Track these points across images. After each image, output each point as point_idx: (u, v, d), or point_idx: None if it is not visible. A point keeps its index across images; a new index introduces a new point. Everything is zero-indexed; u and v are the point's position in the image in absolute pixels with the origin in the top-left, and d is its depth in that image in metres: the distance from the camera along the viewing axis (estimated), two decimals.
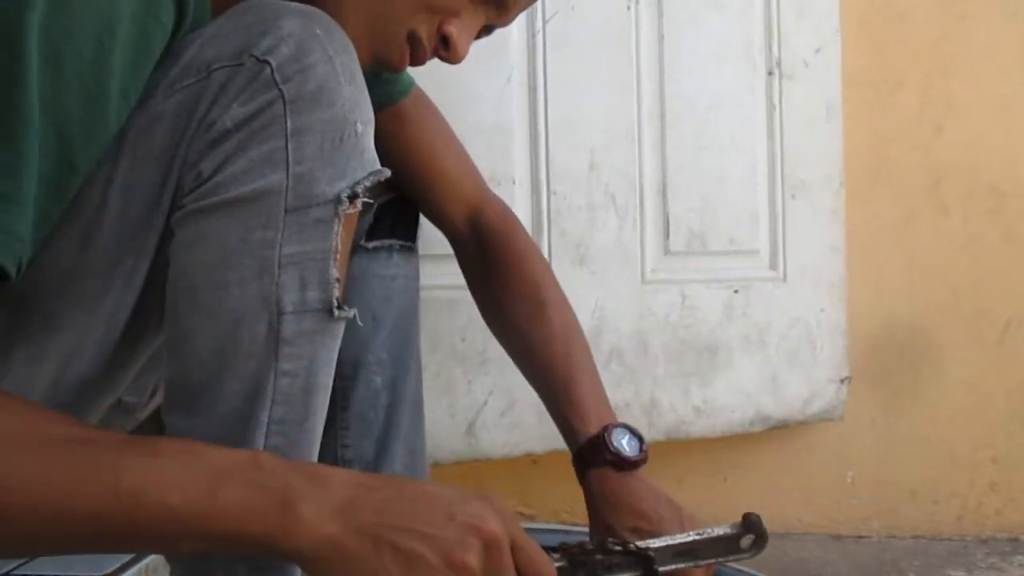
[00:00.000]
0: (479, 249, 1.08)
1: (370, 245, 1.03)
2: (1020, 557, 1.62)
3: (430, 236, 1.12)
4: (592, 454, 0.93)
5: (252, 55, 0.68)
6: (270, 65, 0.67)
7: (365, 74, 0.85)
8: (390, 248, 1.04)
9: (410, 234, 1.08)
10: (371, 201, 0.73)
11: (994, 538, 1.69)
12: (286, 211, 0.68)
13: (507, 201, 1.37)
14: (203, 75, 0.69)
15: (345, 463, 1.04)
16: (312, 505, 0.61)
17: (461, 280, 1.37)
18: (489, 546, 0.63)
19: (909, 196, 1.69)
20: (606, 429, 0.93)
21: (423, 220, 1.11)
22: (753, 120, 1.53)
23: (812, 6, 1.57)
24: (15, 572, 0.95)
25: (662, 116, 1.48)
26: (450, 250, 1.32)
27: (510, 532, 0.65)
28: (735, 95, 1.51)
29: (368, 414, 1.04)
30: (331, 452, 1.05)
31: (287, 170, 0.68)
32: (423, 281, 1.13)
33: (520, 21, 1.43)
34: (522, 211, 1.42)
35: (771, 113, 1.53)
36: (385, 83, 1.02)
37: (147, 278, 0.72)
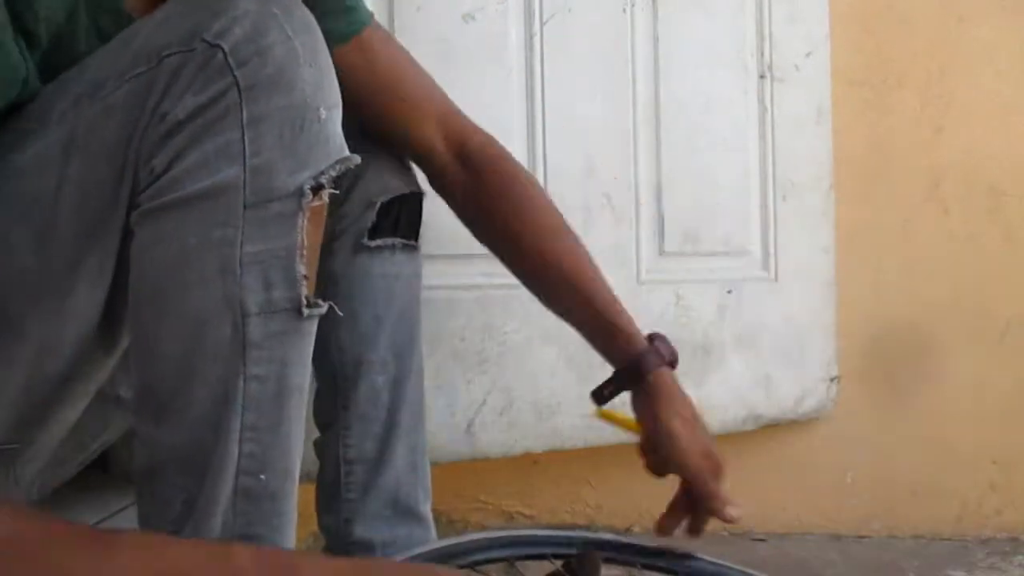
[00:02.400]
0: (466, 169, 1.05)
1: (372, 244, 1.03)
2: (1020, 557, 1.62)
3: (429, 237, 1.13)
4: (651, 358, 0.99)
5: (204, 39, 0.64)
6: (222, 49, 0.64)
7: (327, 6, 0.82)
8: (392, 247, 1.03)
9: (412, 233, 1.08)
10: (336, 191, 0.69)
11: (994, 538, 1.69)
12: (245, 207, 0.65)
13: None
14: (154, 63, 0.65)
15: (347, 463, 1.04)
16: None
17: (460, 280, 1.39)
18: None
19: (909, 196, 1.69)
20: (653, 337, 1.01)
21: (425, 219, 1.11)
22: (745, 123, 1.54)
23: (802, 11, 1.57)
24: None
25: (657, 118, 1.48)
26: (450, 250, 1.33)
27: None
28: (728, 98, 1.52)
29: (370, 414, 1.03)
30: (333, 452, 1.04)
31: (244, 163, 0.65)
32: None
33: (518, 23, 1.44)
34: None
35: (763, 116, 1.54)
36: (346, 12, 0.99)
37: (116, 274, 0.70)
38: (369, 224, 1.01)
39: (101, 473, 0.97)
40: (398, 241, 1.04)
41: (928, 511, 1.70)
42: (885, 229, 1.68)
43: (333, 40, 0.99)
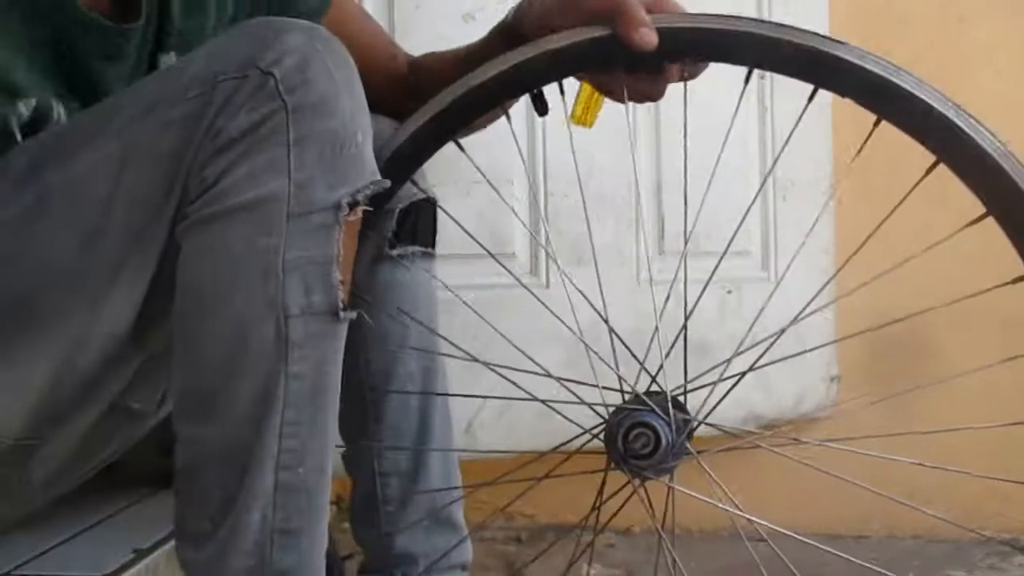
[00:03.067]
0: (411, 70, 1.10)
1: (394, 253, 1.03)
2: (1020, 557, 1.62)
3: None
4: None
5: (257, 67, 0.71)
6: (274, 76, 0.70)
7: None
8: (412, 256, 1.04)
9: (430, 240, 1.08)
10: (370, 208, 0.75)
11: (994, 538, 1.69)
12: (288, 217, 0.71)
13: (505, 201, 1.38)
14: (209, 86, 0.72)
15: (383, 475, 1.03)
16: None
17: (460, 280, 1.38)
18: None
19: (914, 195, 1.69)
20: None
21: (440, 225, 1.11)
22: (745, 122, 1.54)
23: (802, 11, 1.57)
24: (15, 572, 0.96)
25: (656, 118, 1.49)
26: (450, 250, 1.32)
27: None
28: (727, 97, 1.52)
29: (402, 425, 1.03)
30: (368, 465, 1.03)
31: (289, 177, 0.70)
32: None
33: None
34: (520, 212, 1.43)
35: (763, 115, 1.54)
36: None
37: (152, 281, 0.75)
38: (389, 233, 1.01)
39: (103, 473, 0.97)
40: (417, 249, 1.04)
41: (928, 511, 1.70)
42: (885, 228, 1.68)
43: (318, 14, 1.03)
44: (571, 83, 0.91)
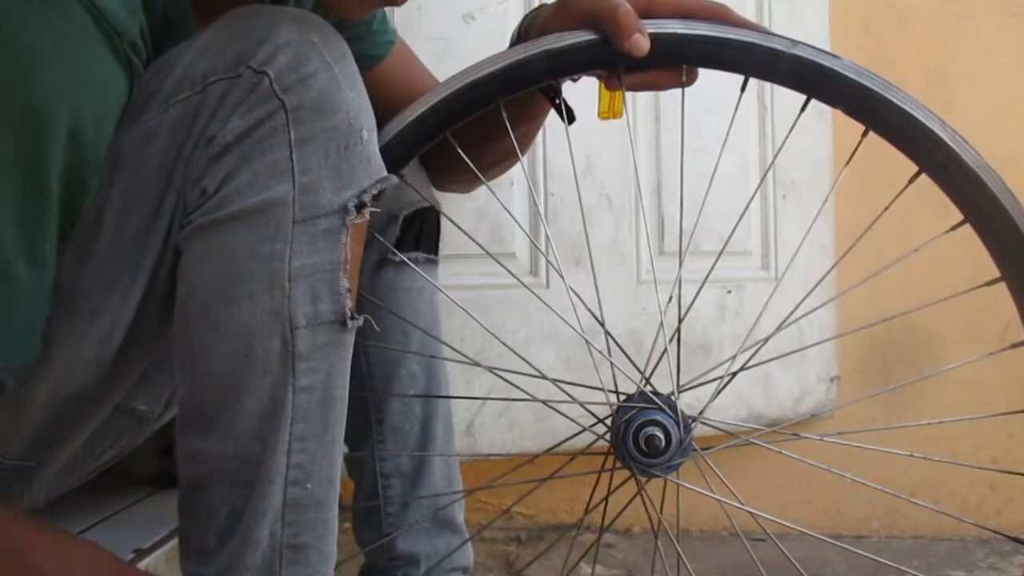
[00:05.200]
0: None
1: (397, 259, 1.03)
2: (1020, 557, 1.62)
3: None
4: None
5: (249, 66, 0.67)
6: (268, 76, 0.67)
7: (364, 28, 0.86)
8: (415, 261, 1.04)
9: (433, 246, 1.08)
10: (378, 209, 0.72)
11: (994, 538, 1.69)
12: (294, 222, 0.68)
13: (505, 202, 1.38)
14: (198, 88, 0.68)
15: (384, 477, 1.03)
16: None
17: (459, 281, 1.39)
18: None
19: (909, 194, 1.69)
20: None
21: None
22: (745, 122, 1.53)
23: (802, 11, 1.57)
24: None
25: (656, 118, 1.48)
26: (449, 250, 1.32)
27: None
28: (727, 97, 1.52)
29: (404, 427, 1.03)
30: (369, 467, 1.04)
31: (293, 180, 0.67)
32: None
33: (518, 23, 1.44)
34: (520, 211, 1.43)
35: (763, 115, 1.54)
36: (380, 33, 1.03)
37: (143, 296, 0.72)
38: (394, 239, 1.01)
39: (103, 473, 0.97)
40: (420, 255, 1.03)
41: (928, 511, 1.70)
42: (885, 228, 1.68)
43: (374, 60, 1.02)
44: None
